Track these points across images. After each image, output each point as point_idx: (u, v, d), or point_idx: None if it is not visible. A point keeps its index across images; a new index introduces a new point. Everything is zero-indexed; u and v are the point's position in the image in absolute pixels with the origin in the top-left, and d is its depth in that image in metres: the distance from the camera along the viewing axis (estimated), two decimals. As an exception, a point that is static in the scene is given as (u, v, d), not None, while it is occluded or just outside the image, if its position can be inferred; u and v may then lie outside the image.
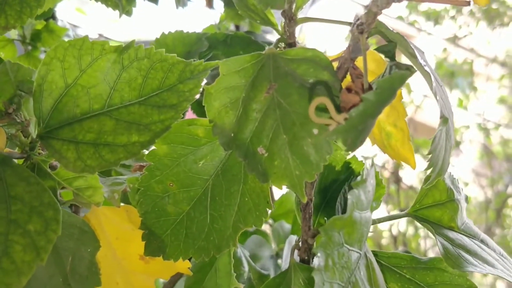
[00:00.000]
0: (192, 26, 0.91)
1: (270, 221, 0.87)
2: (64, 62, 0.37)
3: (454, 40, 2.88)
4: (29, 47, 0.79)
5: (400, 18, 2.83)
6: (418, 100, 2.78)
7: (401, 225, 2.60)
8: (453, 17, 2.81)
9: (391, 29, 0.35)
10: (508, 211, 2.92)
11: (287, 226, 0.77)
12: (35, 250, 0.32)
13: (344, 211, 0.47)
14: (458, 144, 2.78)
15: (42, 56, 0.84)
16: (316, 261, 0.29)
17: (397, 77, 0.30)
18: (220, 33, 0.75)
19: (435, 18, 2.79)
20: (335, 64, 0.37)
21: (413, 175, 2.80)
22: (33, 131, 0.40)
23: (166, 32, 0.77)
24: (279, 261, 0.70)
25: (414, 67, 0.33)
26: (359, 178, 0.39)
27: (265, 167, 0.35)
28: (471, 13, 2.80)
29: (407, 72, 0.30)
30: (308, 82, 0.35)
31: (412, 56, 0.34)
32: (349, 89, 0.32)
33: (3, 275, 0.31)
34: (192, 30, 0.77)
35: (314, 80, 0.35)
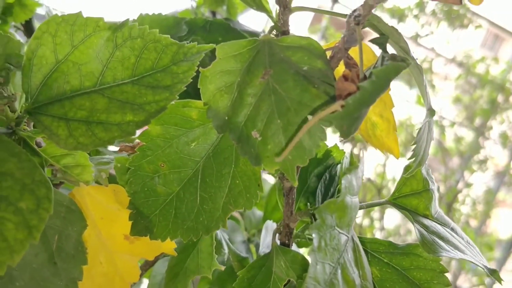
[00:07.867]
0: (167, 9, 0.90)
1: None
2: (56, 37, 0.37)
3: (416, 38, 2.96)
4: (-2, 21, 0.75)
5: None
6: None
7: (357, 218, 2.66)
8: (416, 16, 2.89)
9: (385, 22, 0.36)
10: (458, 206, 3.05)
11: (259, 213, 0.79)
12: (27, 228, 0.32)
13: (324, 198, 0.49)
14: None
15: (12, 30, 0.81)
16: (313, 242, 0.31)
17: (393, 67, 0.31)
18: (200, 19, 0.75)
19: (399, 16, 2.86)
20: (329, 53, 0.38)
21: (370, 169, 2.88)
22: (19, 106, 0.40)
23: (144, 14, 0.76)
24: (250, 245, 0.72)
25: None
26: (345, 165, 0.40)
27: (258, 151, 0.36)
28: (433, 13, 2.88)
29: (403, 63, 0.31)
30: (302, 70, 0.36)
31: (404, 50, 0.36)
32: (345, 78, 0.33)
33: (-4, 252, 0.31)
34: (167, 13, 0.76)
35: (308, 67, 0.36)
